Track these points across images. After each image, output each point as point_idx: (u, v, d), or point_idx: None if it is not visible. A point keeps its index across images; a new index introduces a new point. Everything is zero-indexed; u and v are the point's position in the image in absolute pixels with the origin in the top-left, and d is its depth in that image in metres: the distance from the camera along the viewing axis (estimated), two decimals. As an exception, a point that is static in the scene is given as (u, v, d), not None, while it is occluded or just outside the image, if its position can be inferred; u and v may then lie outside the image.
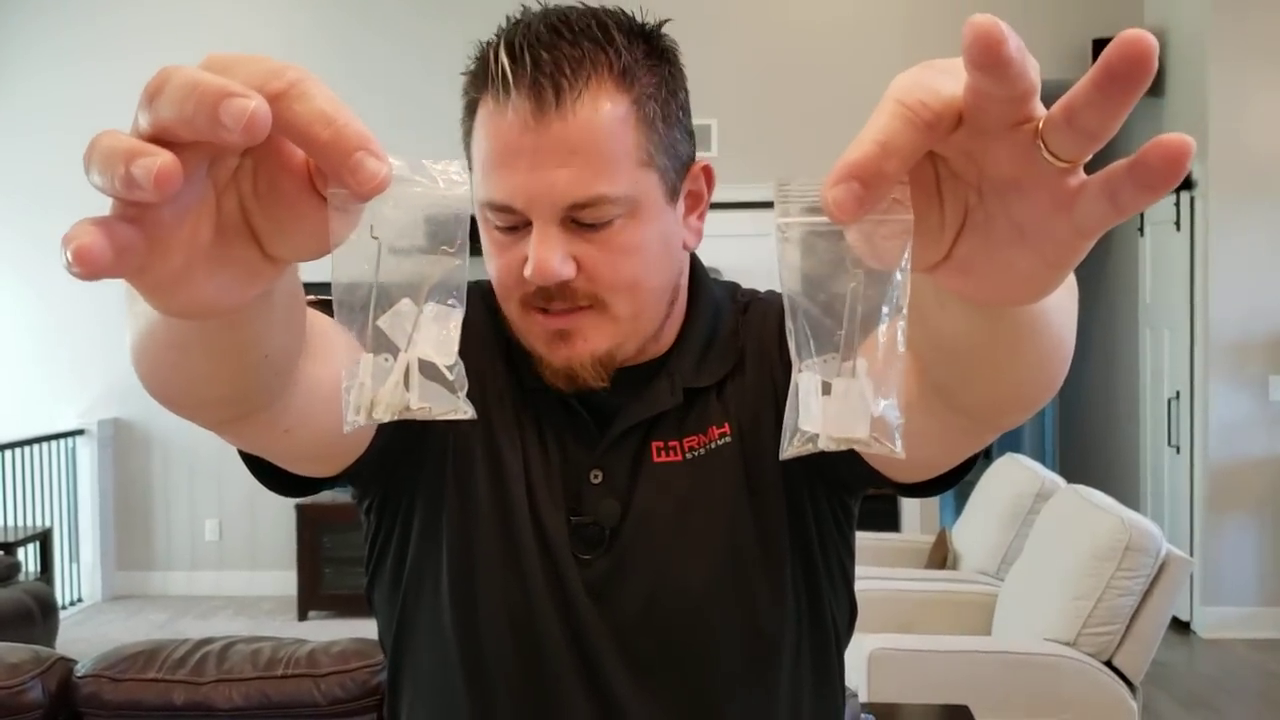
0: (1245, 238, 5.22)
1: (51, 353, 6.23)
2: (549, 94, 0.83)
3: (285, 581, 5.75)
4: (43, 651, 2.14)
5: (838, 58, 6.00)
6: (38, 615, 4.28)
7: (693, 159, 0.94)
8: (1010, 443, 8.75)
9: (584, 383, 0.90)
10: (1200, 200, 5.30)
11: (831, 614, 0.98)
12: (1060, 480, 3.97)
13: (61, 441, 6.03)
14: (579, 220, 0.85)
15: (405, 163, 0.44)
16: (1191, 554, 5.26)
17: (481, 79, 0.86)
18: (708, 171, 0.96)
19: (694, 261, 1.00)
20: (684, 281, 0.97)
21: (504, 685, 0.93)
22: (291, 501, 5.35)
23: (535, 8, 0.88)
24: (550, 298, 0.88)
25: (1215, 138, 5.22)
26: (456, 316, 0.47)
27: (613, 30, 0.86)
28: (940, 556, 4.30)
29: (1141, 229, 5.95)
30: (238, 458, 0.84)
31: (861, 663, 3.09)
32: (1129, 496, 6.14)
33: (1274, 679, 4.73)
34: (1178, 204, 5.45)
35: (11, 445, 5.66)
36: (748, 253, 5.97)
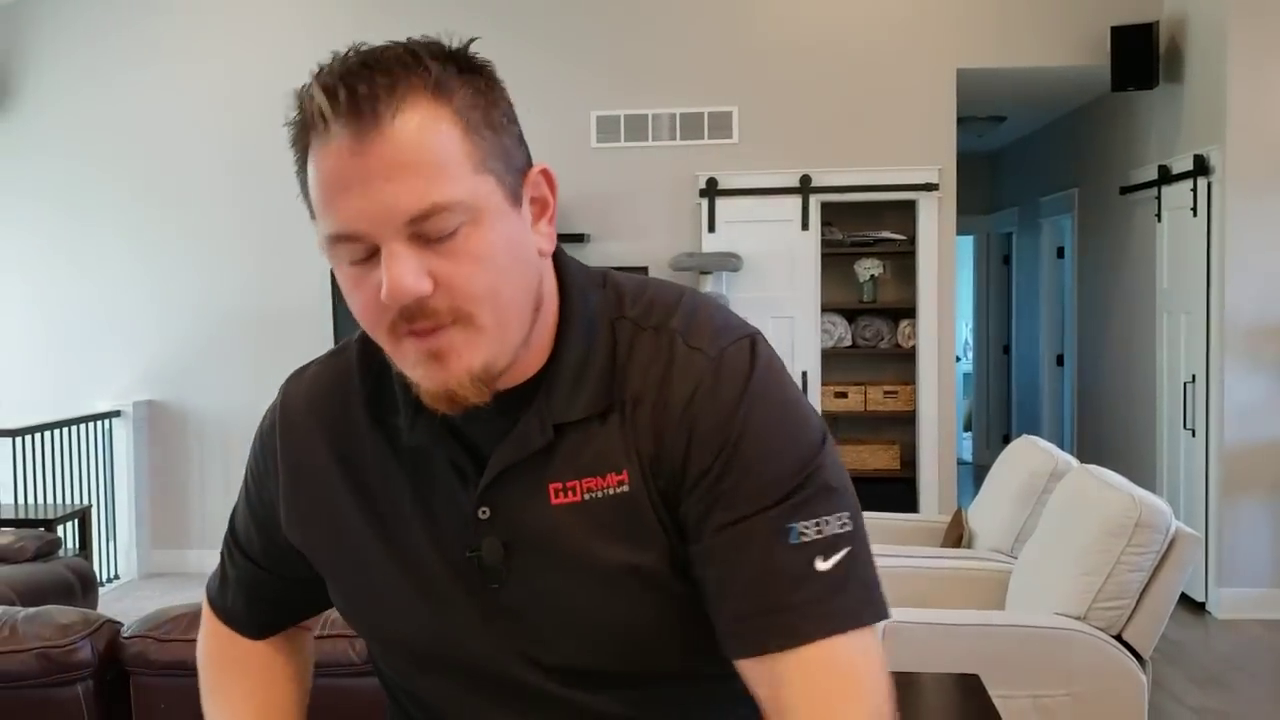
0: (1262, 224, 5.26)
1: (91, 338, 6.39)
2: (367, 116, 0.84)
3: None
4: (91, 614, 2.26)
5: (855, 45, 6.07)
6: (78, 590, 4.43)
7: (529, 164, 0.94)
8: (1029, 425, 8.82)
9: (465, 400, 0.90)
10: (1218, 186, 5.35)
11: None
12: (1074, 460, 4.05)
13: (98, 423, 6.19)
14: (424, 234, 0.86)
15: None
16: (1206, 536, 5.33)
17: (301, 123, 0.88)
18: (547, 175, 0.96)
19: (561, 268, 1.00)
20: (549, 289, 0.97)
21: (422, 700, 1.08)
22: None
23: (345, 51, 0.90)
24: (413, 318, 0.88)
25: (1233, 125, 5.27)
26: None
27: (421, 54, 0.88)
28: (956, 535, 4.39)
29: (1159, 215, 6.00)
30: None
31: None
32: (1145, 479, 6.20)
33: (1286, 658, 4.80)
34: (1194, 189, 5.50)
35: (51, 426, 5.82)
36: (767, 238, 6.07)
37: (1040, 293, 8.54)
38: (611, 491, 0.95)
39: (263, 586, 1.15)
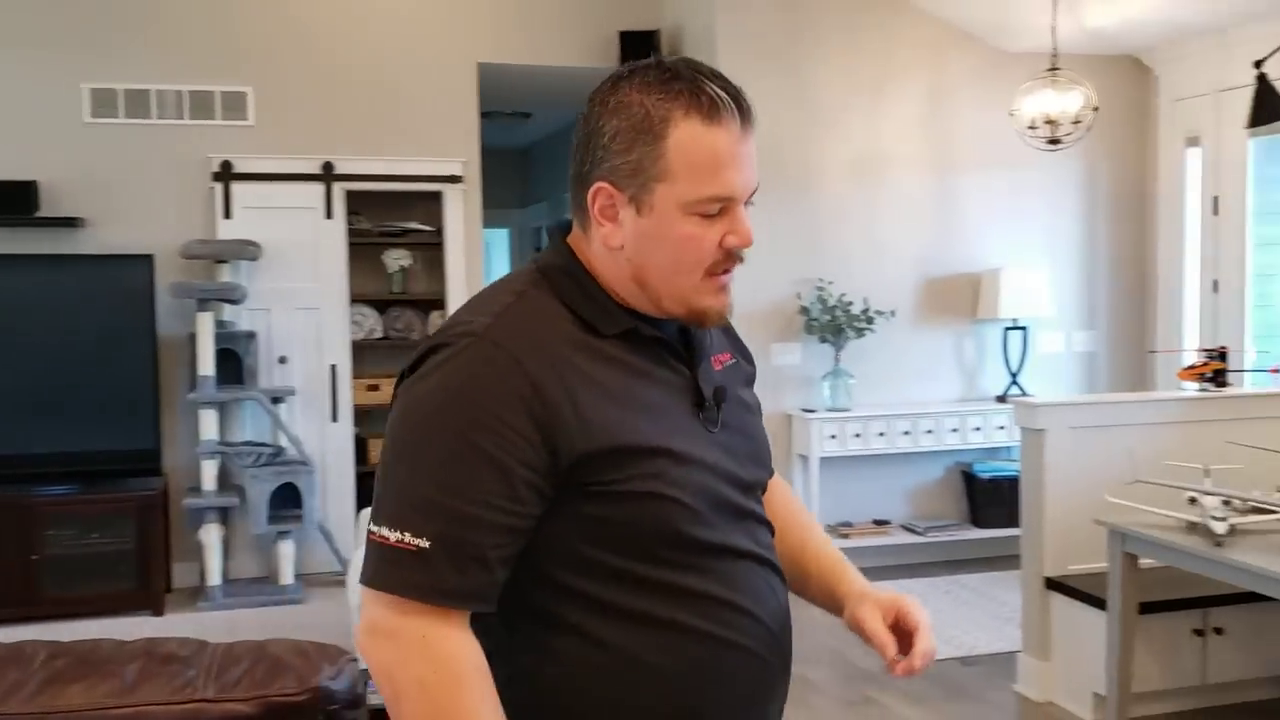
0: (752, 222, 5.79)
1: None
2: (747, 114, 1.24)
3: None
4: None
5: (378, 33, 5.99)
6: None
7: None
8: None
9: (724, 319, 1.31)
10: (713, 185, 5.81)
11: None
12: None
13: None
14: (748, 202, 1.26)
15: None
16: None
17: (687, 104, 1.19)
18: None
19: None
20: None
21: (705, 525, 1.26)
22: None
23: (672, 58, 1.25)
24: (732, 261, 1.26)
25: (724, 128, 5.75)
26: None
27: (729, 80, 1.25)
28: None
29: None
30: None
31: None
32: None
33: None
34: (695, 187, 5.95)
35: None
36: (289, 226, 5.84)
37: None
38: (729, 363, 1.40)
39: (516, 542, 1.18)
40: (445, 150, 6.09)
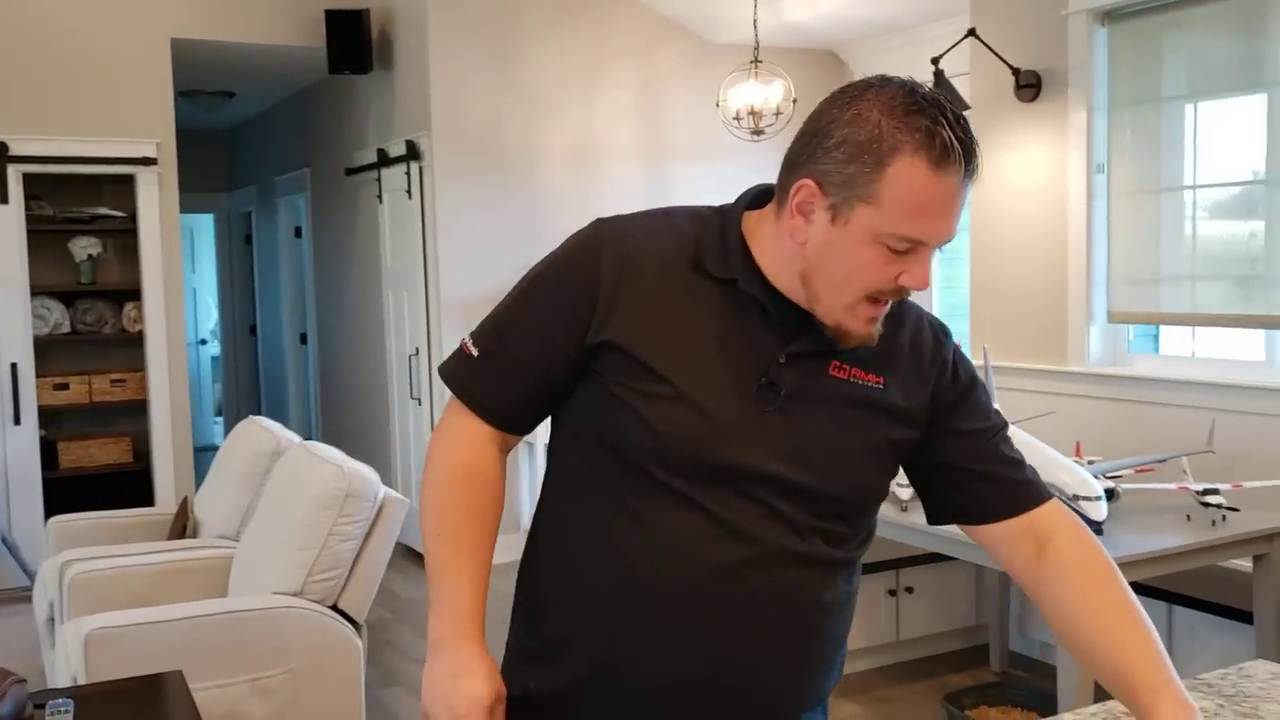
0: (467, 206, 5.74)
1: None
2: (973, 170, 1.20)
3: None
4: None
5: (56, 2, 5.52)
6: None
7: None
8: (277, 405, 8.82)
9: (865, 344, 1.29)
10: (428, 171, 5.72)
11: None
12: (295, 438, 4.07)
13: None
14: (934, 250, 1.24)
15: None
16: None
17: (921, 141, 1.17)
18: None
19: None
20: None
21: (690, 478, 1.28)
22: None
23: (927, 87, 1.22)
24: (899, 295, 1.26)
25: (438, 112, 5.66)
26: None
27: (970, 129, 1.21)
28: (181, 525, 4.20)
29: (380, 197, 6.28)
30: None
31: (79, 647, 2.92)
32: (382, 448, 6.50)
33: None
34: (409, 173, 5.83)
35: None
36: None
37: (282, 272, 8.54)
38: (871, 385, 1.33)
39: (523, 380, 1.35)
40: (137, 130, 5.69)
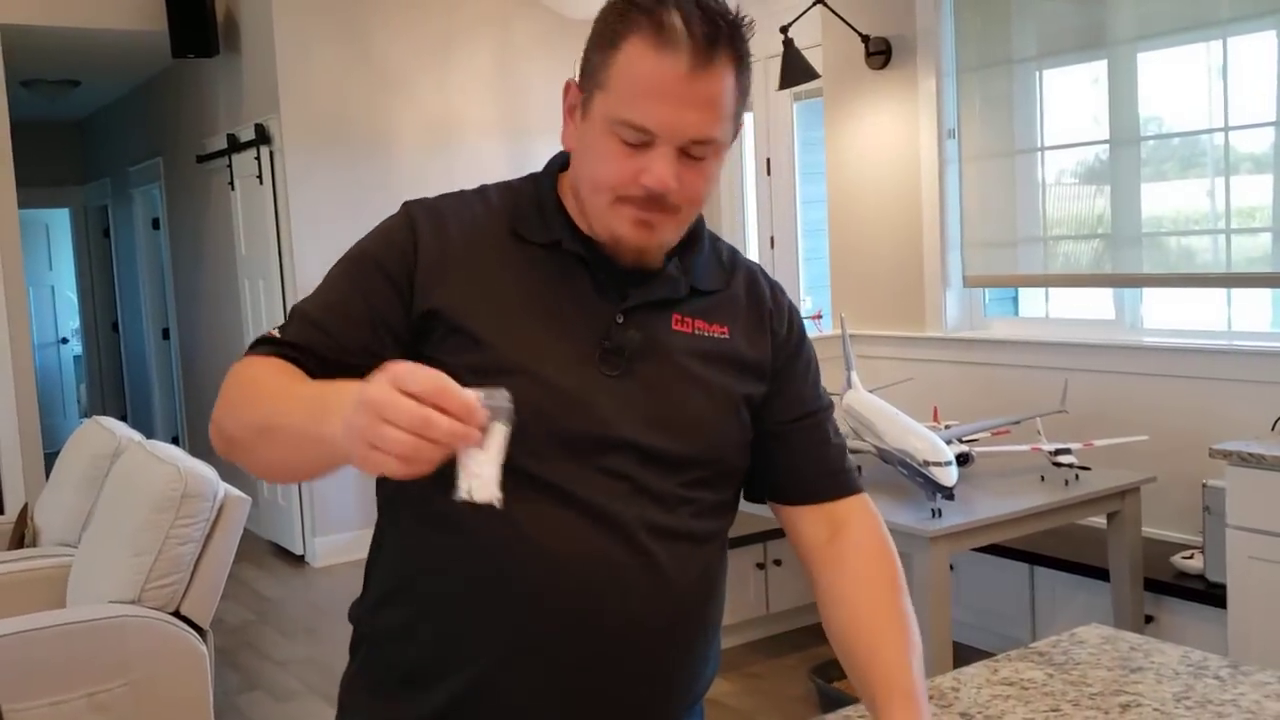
0: (319, 189, 5.56)
1: None
2: (705, 55, 1.12)
3: None
4: None
5: None
6: None
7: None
8: (142, 403, 8.51)
9: (648, 259, 1.23)
10: (279, 155, 5.52)
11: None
12: (138, 436, 3.88)
13: None
14: (687, 151, 1.15)
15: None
16: (301, 490, 5.53)
17: (643, 23, 1.12)
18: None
19: None
20: None
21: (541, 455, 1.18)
22: None
23: None
24: (649, 201, 1.16)
25: (285, 95, 5.46)
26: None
27: (734, 19, 1.15)
28: (20, 534, 3.98)
29: (232, 183, 6.05)
30: None
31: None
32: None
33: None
34: (259, 158, 5.62)
35: None
36: None
37: (141, 266, 8.22)
38: (715, 335, 1.28)
39: (345, 360, 1.19)
40: (-36, 121, 5.37)
